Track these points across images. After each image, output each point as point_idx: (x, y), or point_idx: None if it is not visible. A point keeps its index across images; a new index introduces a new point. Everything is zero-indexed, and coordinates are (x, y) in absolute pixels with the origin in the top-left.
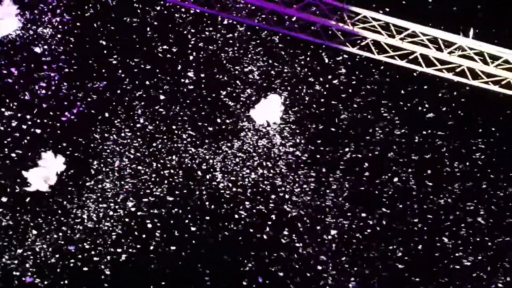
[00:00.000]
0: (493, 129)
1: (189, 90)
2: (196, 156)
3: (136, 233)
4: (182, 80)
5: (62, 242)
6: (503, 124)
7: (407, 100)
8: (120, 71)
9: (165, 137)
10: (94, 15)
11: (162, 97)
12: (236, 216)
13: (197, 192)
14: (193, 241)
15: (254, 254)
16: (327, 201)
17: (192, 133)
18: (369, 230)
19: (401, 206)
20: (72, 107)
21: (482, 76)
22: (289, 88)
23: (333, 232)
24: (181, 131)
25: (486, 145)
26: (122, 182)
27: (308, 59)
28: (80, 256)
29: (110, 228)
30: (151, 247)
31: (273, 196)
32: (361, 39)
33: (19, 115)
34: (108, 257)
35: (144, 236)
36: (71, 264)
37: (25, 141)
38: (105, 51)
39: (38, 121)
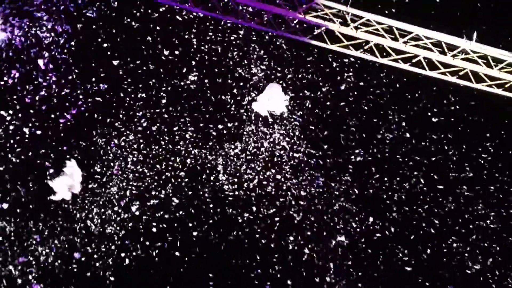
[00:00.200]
0: (502, 132)
1: (192, 91)
2: (199, 159)
3: (140, 237)
4: (183, 82)
5: (66, 247)
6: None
7: (414, 104)
8: (122, 74)
9: (167, 139)
10: (97, 17)
11: (163, 101)
12: (241, 220)
13: (202, 195)
14: (198, 245)
15: (260, 259)
16: (335, 205)
17: (196, 135)
18: (378, 235)
19: (409, 210)
20: (74, 110)
21: (485, 79)
22: (294, 91)
23: (340, 237)
24: (185, 133)
25: (494, 148)
26: (126, 185)
27: (313, 62)
28: (84, 260)
29: (114, 232)
30: (156, 251)
31: (281, 199)
32: (365, 43)
33: (19, 116)
34: (111, 261)
35: (148, 240)
36: (75, 270)
37: (26, 143)
38: (108, 53)
39: (39, 123)
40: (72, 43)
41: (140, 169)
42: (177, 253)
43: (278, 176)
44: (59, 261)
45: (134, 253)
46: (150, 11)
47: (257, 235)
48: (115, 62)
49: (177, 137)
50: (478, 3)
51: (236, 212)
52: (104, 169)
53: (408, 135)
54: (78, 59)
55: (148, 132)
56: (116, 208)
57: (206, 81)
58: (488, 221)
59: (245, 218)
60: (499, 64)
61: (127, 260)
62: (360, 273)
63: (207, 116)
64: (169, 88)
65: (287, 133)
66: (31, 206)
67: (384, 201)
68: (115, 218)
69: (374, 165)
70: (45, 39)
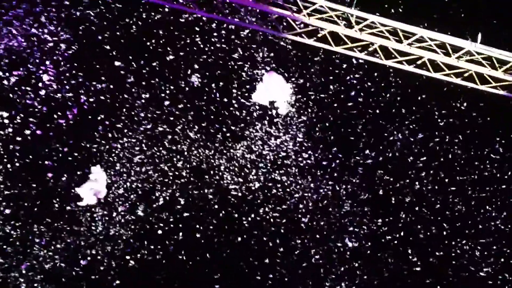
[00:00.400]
0: (510, 133)
1: (196, 92)
2: (204, 159)
3: (145, 239)
4: (185, 83)
5: (71, 250)
6: None
7: (422, 106)
8: (125, 74)
9: (171, 140)
10: (100, 18)
11: (167, 102)
12: (247, 222)
13: (207, 197)
14: (203, 247)
15: (266, 261)
16: (343, 207)
17: (200, 135)
18: (387, 237)
19: (417, 212)
20: (75, 110)
21: (490, 81)
22: (301, 92)
23: (349, 240)
24: (188, 133)
25: (503, 149)
26: (130, 187)
27: (319, 63)
28: (88, 263)
29: (118, 234)
30: (160, 253)
31: (287, 201)
32: (369, 45)
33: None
34: (116, 263)
35: (152, 242)
36: (80, 273)
37: (26, 143)
38: (110, 54)
39: (40, 124)
40: (75, 43)
41: (144, 170)
42: (182, 255)
43: (284, 178)
44: (63, 264)
45: (139, 255)
46: (154, 13)
47: (264, 237)
48: (117, 63)
49: (181, 138)
50: (482, 5)
51: (242, 214)
52: (108, 170)
53: (416, 137)
54: (81, 60)
55: (152, 133)
56: (120, 210)
57: (211, 82)
58: (498, 223)
59: (251, 220)
60: (503, 65)
61: (132, 262)
62: (369, 276)
63: (212, 116)
64: (172, 89)
65: (293, 135)
66: (35, 209)
67: (392, 203)
68: (120, 220)
69: (382, 167)
70: (46, 40)
